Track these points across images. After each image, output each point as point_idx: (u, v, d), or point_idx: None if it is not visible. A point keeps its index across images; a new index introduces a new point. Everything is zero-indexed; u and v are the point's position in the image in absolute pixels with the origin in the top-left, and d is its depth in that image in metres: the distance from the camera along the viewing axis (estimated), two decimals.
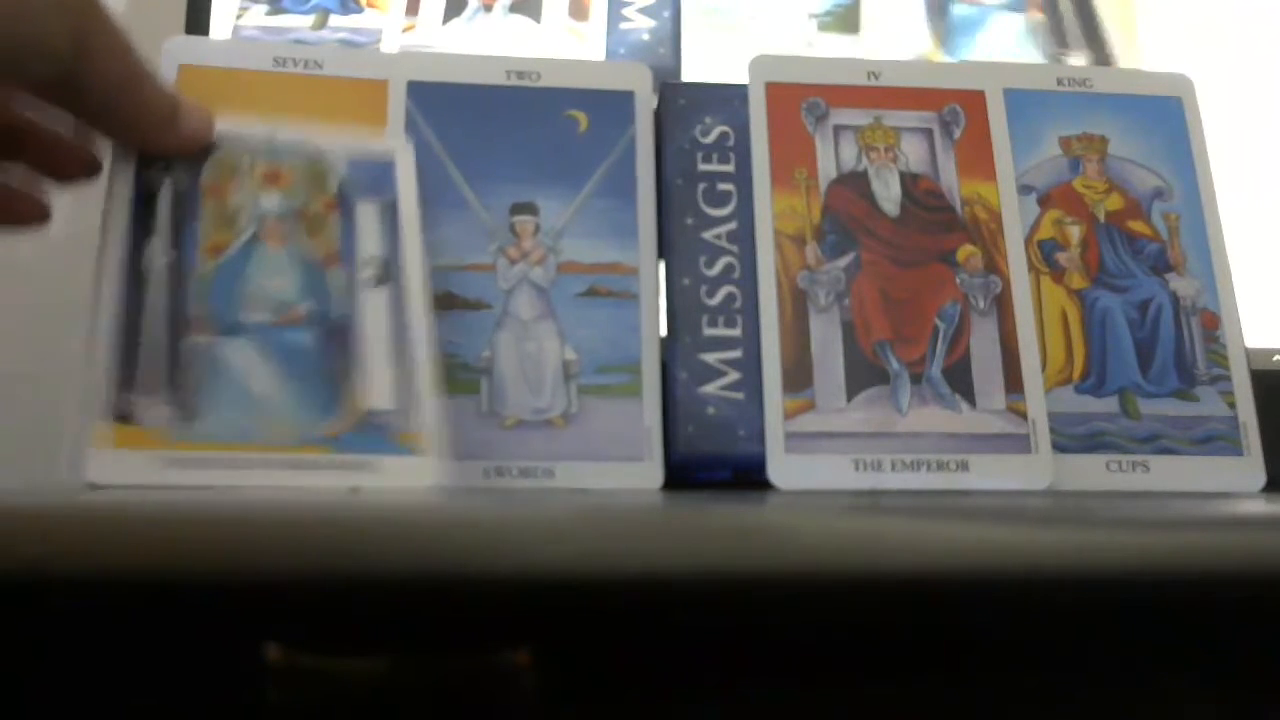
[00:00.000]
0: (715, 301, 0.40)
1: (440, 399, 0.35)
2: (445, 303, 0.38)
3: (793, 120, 0.41)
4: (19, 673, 0.23)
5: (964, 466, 0.38)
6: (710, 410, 0.38)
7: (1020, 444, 0.38)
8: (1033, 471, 0.38)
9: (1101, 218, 0.42)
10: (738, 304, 0.40)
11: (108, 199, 0.35)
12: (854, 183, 0.41)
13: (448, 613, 0.24)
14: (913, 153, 0.42)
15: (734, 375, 0.39)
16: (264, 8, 0.60)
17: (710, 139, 0.41)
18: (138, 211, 0.35)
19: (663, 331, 0.39)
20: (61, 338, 0.42)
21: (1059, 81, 0.44)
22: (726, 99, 0.42)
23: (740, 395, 0.39)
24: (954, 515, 0.27)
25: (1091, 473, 0.39)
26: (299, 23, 0.60)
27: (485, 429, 0.37)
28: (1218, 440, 0.40)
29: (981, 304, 0.40)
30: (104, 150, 0.36)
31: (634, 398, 0.38)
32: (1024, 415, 0.39)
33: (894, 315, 0.39)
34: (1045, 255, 0.42)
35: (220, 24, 0.59)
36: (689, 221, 0.40)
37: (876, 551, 0.24)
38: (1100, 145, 0.43)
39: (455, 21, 0.60)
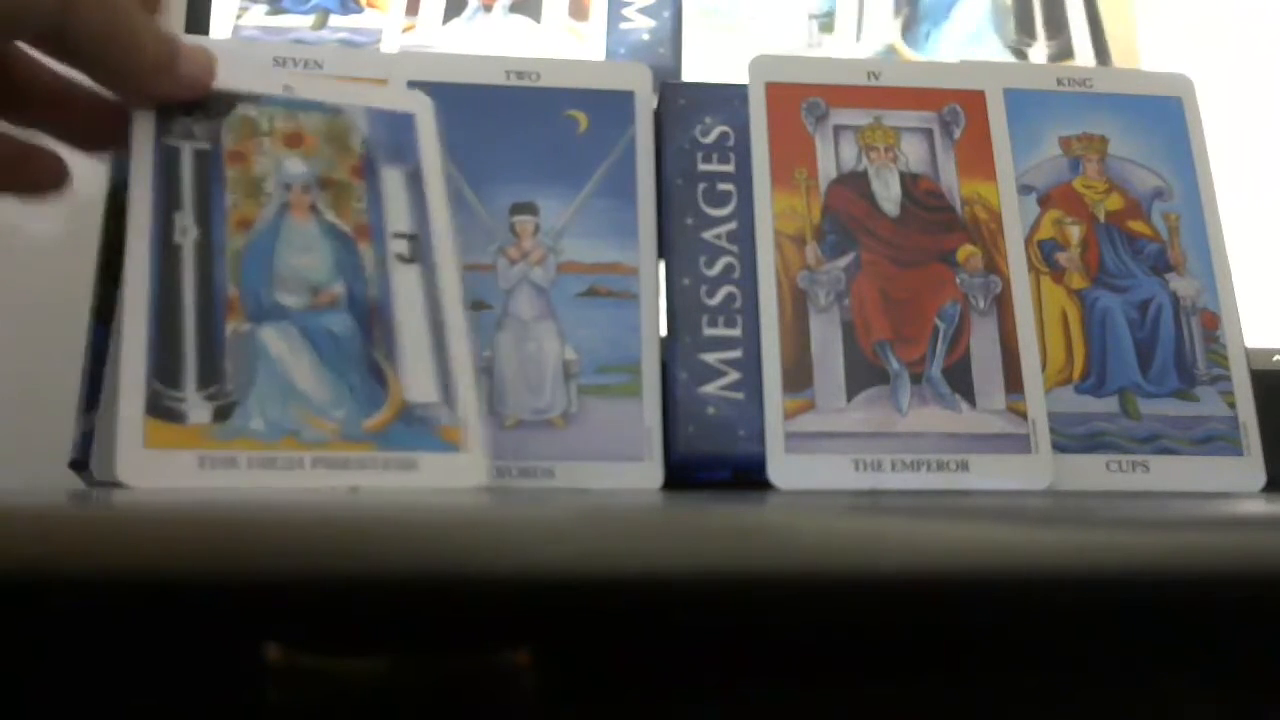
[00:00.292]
0: (715, 301, 0.40)
1: (478, 391, 0.34)
2: None
3: (793, 120, 0.41)
4: (19, 673, 0.23)
5: (964, 466, 0.38)
6: (710, 410, 0.38)
7: (1020, 444, 0.38)
8: (1033, 471, 0.38)
9: (1101, 218, 0.42)
10: (738, 304, 0.40)
11: (131, 166, 0.33)
12: (854, 183, 0.41)
13: (448, 613, 0.24)
14: (913, 153, 0.42)
15: (734, 375, 0.39)
16: (264, 8, 0.60)
17: (710, 139, 0.41)
18: (160, 180, 0.33)
19: (663, 331, 0.39)
20: (62, 338, 0.42)
21: (1059, 81, 0.44)
22: (726, 99, 0.42)
23: (740, 395, 0.39)
24: (954, 515, 0.27)
25: (1091, 473, 0.39)
26: (299, 23, 0.60)
27: (485, 429, 0.37)
28: (1218, 440, 0.40)
29: (981, 304, 0.40)
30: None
31: (634, 398, 0.38)
32: (1024, 415, 0.39)
33: (894, 315, 0.39)
34: (1045, 255, 0.42)
35: (220, 24, 0.59)
36: (689, 221, 0.40)
37: (876, 551, 0.24)
38: (1100, 145, 0.43)
39: (455, 21, 0.60)
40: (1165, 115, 0.44)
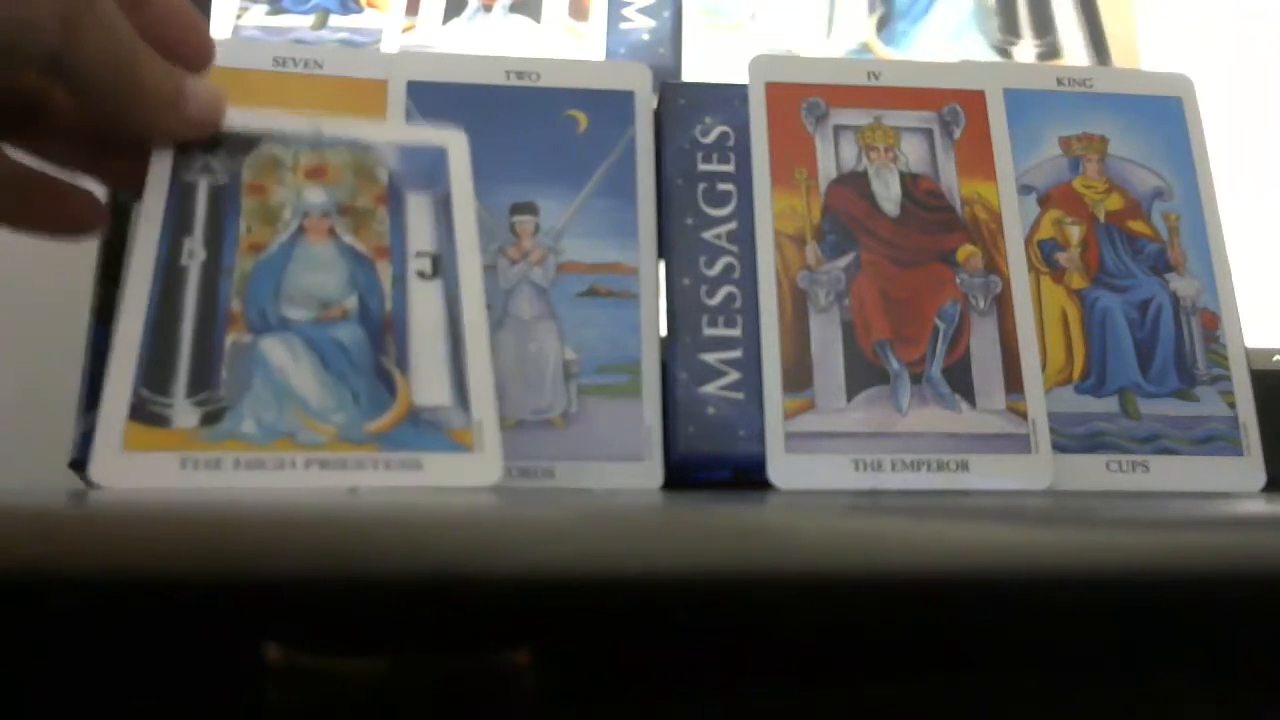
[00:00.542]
0: (715, 301, 0.40)
1: (496, 396, 0.34)
2: None
3: (793, 120, 0.41)
4: (19, 673, 0.23)
5: (964, 466, 0.38)
6: (710, 410, 0.38)
7: (1020, 444, 0.38)
8: (1033, 471, 0.38)
9: (1101, 218, 0.42)
10: (738, 304, 0.40)
11: (144, 195, 0.34)
12: (854, 183, 0.41)
13: (448, 613, 0.24)
14: (913, 153, 0.42)
15: (734, 375, 0.39)
16: (264, 8, 0.60)
17: (710, 139, 0.41)
18: (173, 208, 0.34)
19: (663, 331, 0.39)
20: (62, 338, 0.42)
21: (1059, 81, 0.44)
22: (726, 99, 0.42)
23: (740, 395, 0.39)
24: (954, 515, 0.27)
25: (1091, 473, 0.39)
26: (299, 23, 0.60)
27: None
28: (1218, 440, 0.40)
29: (981, 304, 0.40)
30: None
31: (634, 398, 0.38)
32: (1024, 415, 0.39)
33: (894, 315, 0.39)
34: (1045, 255, 0.42)
35: (220, 24, 0.59)
36: (689, 221, 0.40)
37: (876, 551, 0.24)
38: (1100, 145, 0.43)
39: (455, 21, 0.61)
40: (1165, 115, 0.44)
